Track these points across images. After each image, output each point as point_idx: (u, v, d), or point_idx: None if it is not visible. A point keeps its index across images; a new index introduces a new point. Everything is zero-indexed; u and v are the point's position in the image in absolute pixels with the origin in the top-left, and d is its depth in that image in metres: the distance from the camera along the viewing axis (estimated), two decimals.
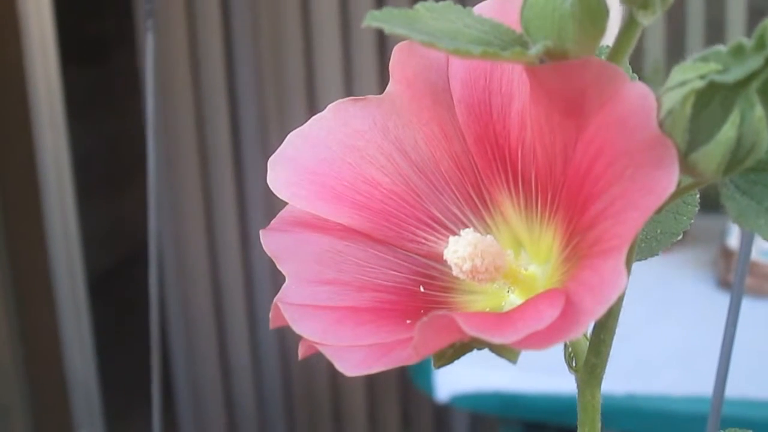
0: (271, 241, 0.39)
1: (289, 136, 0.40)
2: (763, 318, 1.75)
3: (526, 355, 1.42)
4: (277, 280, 2.62)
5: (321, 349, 0.33)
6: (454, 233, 0.38)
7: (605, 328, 0.38)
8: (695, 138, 0.31)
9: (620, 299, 0.37)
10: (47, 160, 2.48)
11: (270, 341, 2.67)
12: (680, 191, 0.34)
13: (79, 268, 2.59)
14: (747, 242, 0.70)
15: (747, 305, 1.80)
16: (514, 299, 0.38)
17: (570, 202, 0.34)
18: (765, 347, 1.64)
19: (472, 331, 0.30)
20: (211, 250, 2.64)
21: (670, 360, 1.65)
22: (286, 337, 2.65)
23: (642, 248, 0.41)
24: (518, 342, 0.30)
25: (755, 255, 1.82)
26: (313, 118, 0.40)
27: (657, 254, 0.40)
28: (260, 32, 2.48)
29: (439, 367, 0.36)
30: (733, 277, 0.67)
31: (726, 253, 1.86)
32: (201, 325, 2.68)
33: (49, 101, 2.46)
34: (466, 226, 0.39)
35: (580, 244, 0.33)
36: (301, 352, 0.34)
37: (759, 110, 0.30)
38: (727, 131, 0.30)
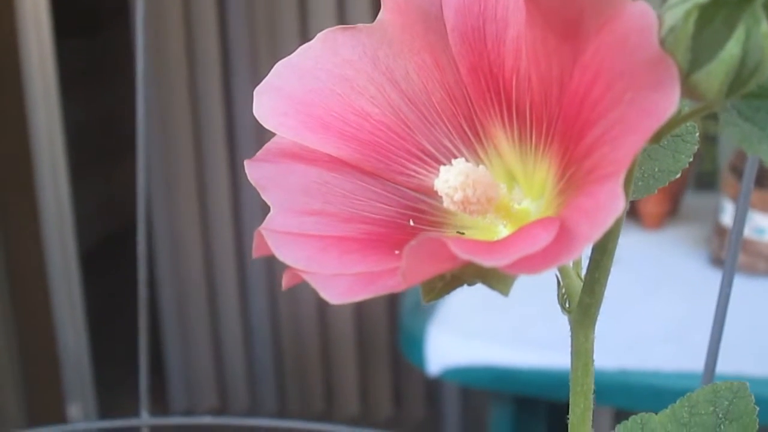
0: (256, 171, 0.38)
1: (276, 65, 0.38)
2: (755, 295, 1.75)
3: (518, 329, 1.42)
4: None
5: (305, 277, 0.32)
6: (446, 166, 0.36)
7: (600, 266, 0.37)
8: (697, 57, 0.30)
9: (615, 233, 0.36)
10: (40, 134, 2.47)
11: (261, 313, 2.67)
12: (681, 119, 0.33)
13: (72, 242, 2.58)
14: (740, 219, 0.69)
15: (740, 282, 1.80)
16: (506, 234, 0.37)
17: (566, 131, 0.33)
18: (757, 324, 1.64)
19: (462, 253, 0.28)
20: (204, 225, 2.63)
21: (662, 336, 1.64)
22: (278, 309, 2.65)
23: (639, 186, 0.39)
24: (511, 266, 0.29)
25: (748, 232, 1.81)
26: (302, 47, 0.39)
27: (653, 192, 0.39)
28: None
29: (428, 301, 0.35)
30: (726, 253, 0.66)
31: (719, 231, 1.85)
32: (192, 298, 2.68)
33: (42, 75, 2.45)
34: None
35: (575, 174, 0.32)
36: (285, 282, 0.33)
37: (765, 26, 0.28)
38: (731, 48, 0.29)
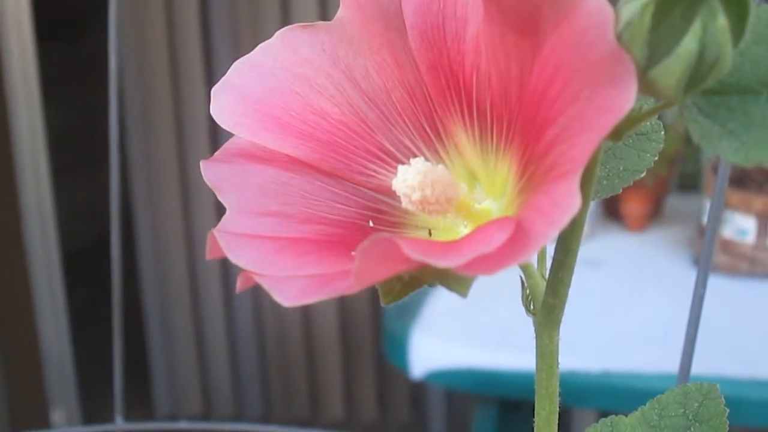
0: (211, 171, 0.37)
1: (234, 64, 0.38)
2: (738, 296, 1.75)
3: (501, 332, 1.41)
4: None
5: (258, 279, 0.31)
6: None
7: (563, 266, 0.36)
8: (655, 52, 0.29)
9: (577, 233, 0.35)
10: (22, 137, 2.45)
11: (245, 318, 2.66)
12: (641, 116, 0.32)
13: (54, 245, 2.56)
14: (714, 218, 0.69)
15: (722, 284, 1.80)
16: None
17: (526, 129, 0.32)
18: (739, 325, 1.64)
19: (415, 254, 0.28)
20: (187, 229, 2.62)
21: (645, 338, 1.64)
22: (262, 313, 2.64)
23: (604, 185, 0.39)
24: (465, 266, 0.28)
25: (731, 234, 1.81)
26: (260, 45, 0.38)
27: (618, 191, 0.39)
28: None
29: (387, 303, 0.34)
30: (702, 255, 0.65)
31: (702, 232, 1.85)
32: (176, 303, 2.67)
33: (24, 77, 2.44)
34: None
35: (535, 173, 0.31)
36: (239, 285, 0.32)
37: (722, 20, 0.28)
38: (688, 43, 0.28)
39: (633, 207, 2.05)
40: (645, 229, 2.07)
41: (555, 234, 0.28)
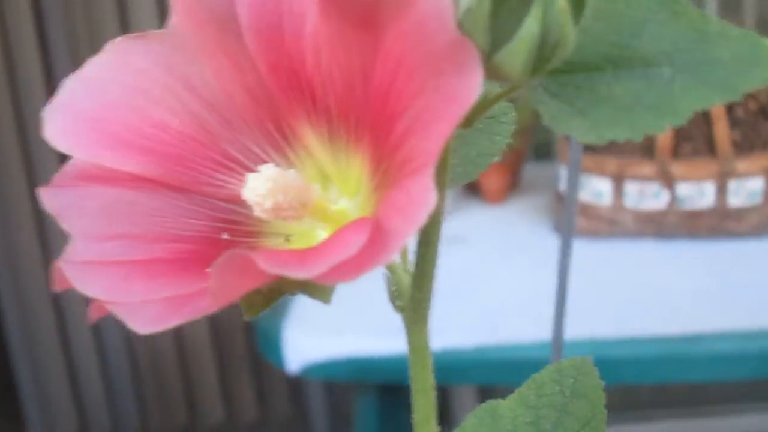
0: (50, 198, 0.35)
1: (65, 81, 0.36)
2: (599, 258, 1.78)
3: (373, 318, 1.40)
4: None
5: (110, 308, 0.30)
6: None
7: (425, 259, 0.35)
8: (497, 37, 0.29)
9: (437, 224, 0.34)
10: None
11: (115, 331, 2.60)
12: (490, 101, 0.32)
13: None
14: (573, 184, 0.70)
15: (583, 247, 1.83)
16: (324, 238, 0.35)
17: (375, 125, 0.31)
18: (605, 286, 1.67)
19: (271, 267, 0.27)
20: (44, 250, 2.55)
21: (515, 308, 1.66)
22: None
23: (458, 172, 0.38)
24: (325, 275, 0.27)
25: (588, 197, 1.84)
26: (91, 59, 0.36)
27: (474, 178, 0.38)
28: None
29: (250, 317, 0.33)
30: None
31: (559, 198, 1.89)
32: (41, 321, 2.60)
33: None
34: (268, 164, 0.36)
35: (389, 168, 0.31)
36: (91, 315, 0.31)
37: (561, 1, 0.28)
38: (530, 26, 0.28)
39: (491, 180, 2.07)
40: (505, 200, 2.09)
41: (414, 231, 0.27)
